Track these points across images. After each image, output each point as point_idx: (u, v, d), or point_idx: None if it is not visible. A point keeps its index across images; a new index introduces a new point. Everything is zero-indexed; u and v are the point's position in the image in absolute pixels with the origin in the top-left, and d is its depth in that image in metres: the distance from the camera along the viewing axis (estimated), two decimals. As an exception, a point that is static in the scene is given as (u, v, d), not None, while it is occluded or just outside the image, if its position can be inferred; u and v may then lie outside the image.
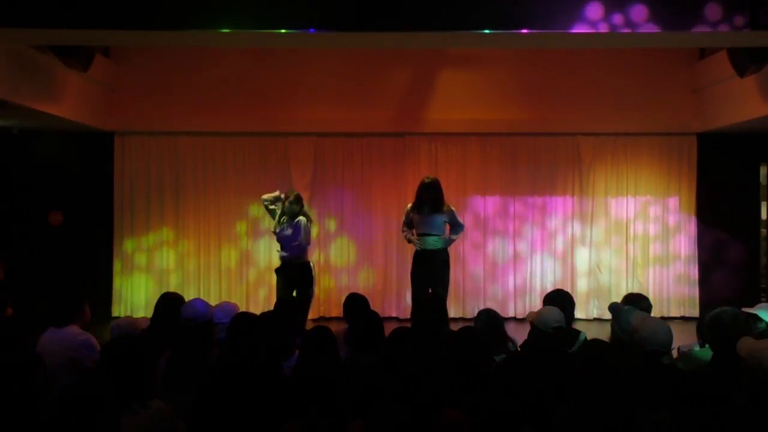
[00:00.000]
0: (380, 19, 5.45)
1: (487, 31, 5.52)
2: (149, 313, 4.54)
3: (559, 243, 8.92)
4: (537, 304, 7.18)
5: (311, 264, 6.80)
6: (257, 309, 8.08)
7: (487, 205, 8.95)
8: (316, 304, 8.82)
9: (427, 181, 6.50)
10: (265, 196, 6.87)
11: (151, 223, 8.87)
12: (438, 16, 5.40)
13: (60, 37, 5.90)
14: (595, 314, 8.80)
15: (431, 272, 6.40)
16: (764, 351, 2.75)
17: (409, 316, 7.13)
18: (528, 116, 8.72)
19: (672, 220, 8.87)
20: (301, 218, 6.62)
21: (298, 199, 6.70)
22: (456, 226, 6.54)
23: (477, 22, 5.43)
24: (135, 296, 8.85)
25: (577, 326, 4.66)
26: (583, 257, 8.88)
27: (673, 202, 8.87)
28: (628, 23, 5.36)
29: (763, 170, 8.97)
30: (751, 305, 4.06)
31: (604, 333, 5.04)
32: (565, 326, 4.01)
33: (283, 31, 5.54)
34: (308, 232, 6.69)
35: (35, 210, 8.69)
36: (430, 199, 6.40)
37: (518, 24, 5.43)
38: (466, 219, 8.89)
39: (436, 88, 8.80)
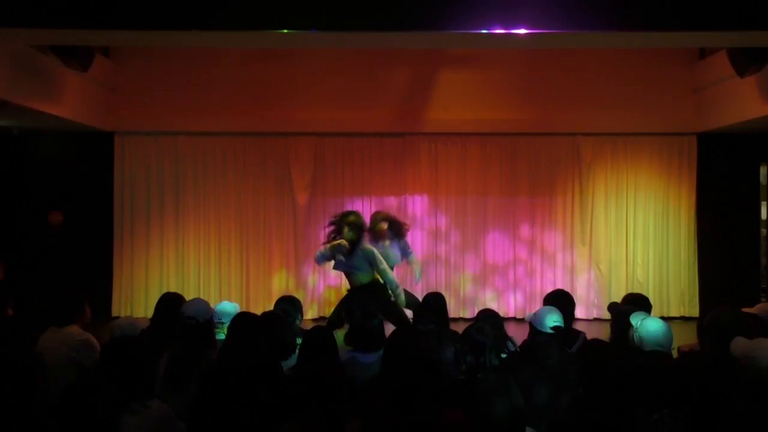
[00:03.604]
0: (380, 19, 5.45)
1: (486, 31, 5.52)
2: (149, 313, 4.53)
3: (559, 243, 8.93)
4: (537, 304, 7.18)
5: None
6: (257, 309, 8.08)
7: (487, 205, 8.95)
8: (316, 305, 8.86)
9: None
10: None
11: (151, 223, 8.87)
12: (438, 16, 5.40)
13: (60, 37, 5.90)
14: (595, 314, 8.80)
15: None
16: (758, 351, 2.75)
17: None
18: (528, 116, 8.72)
19: (672, 219, 8.88)
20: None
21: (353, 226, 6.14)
22: None
23: (477, 22, 5.43)
24: (135, 296, 8.85)
25: (577, 326, 4.66)
26: (583, 257, 8.89)
27: (672, 201, 8.87)
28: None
29: (763, 170, 8.97)
30: (751, 305, 4.06)
31: (604, 333, 5.04)
32: (564, 326, 4.01)
33: (284, 31, 5.54)
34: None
35: (35, 210, 8.68)
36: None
37: (518, 24, 5.43)
38: (466, 219, 8.95)
39: (436, 88, 8.80)
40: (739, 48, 6.67)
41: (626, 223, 8.91)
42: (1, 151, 8.68)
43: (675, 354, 3.72)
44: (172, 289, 6.80)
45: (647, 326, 3.40)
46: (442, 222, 8.96)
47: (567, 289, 6.63)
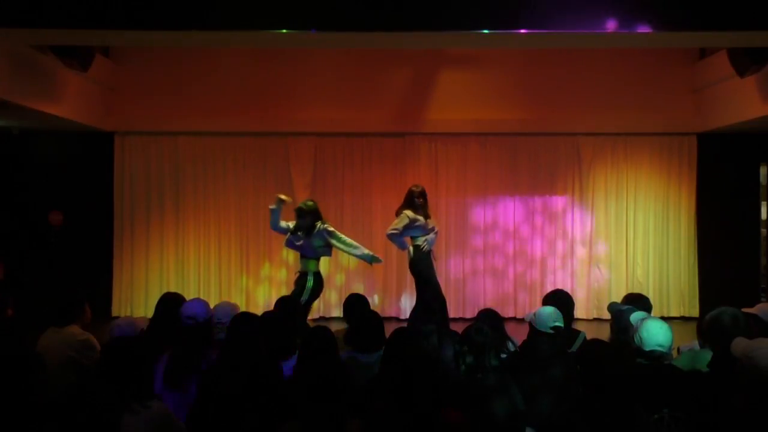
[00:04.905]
0: (380, 19, 5.45)
1: (486, 31, 5.52)
2: (149, 313, 4.53)
3: (559, 243, 8.93)
4: (537, 304, 7.18)
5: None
6: (257, 309, 8.08)
7: (487, 205, 8.96)
8: (316, 304, 8.85)
9: (420, 188, 6.63)
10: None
11: (151, 224, 8.88)
12: (438, 16, 5.40)
13: (60, 37, 5.90)
14: (595, 314, 8.80)
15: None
16: (758, 351, 2.75)
17: (408, 316, 7.14)
18: (528, 116, 8.73)
19: (672, 220, 8.87)
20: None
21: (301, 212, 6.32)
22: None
23: (476, 22, 5.43)
24: (135, 296, 8.86)
25: (577, 326, 4.66)
26: (583, 257, 8.89)
27: (672, 202, 8.87)
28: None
29: (763, 170, 8.97)
30: (751, 305, 4.05)
31: (604, 333, 5.04)
32: (563, 326, 4.01)
33: (283, 31, 5.54)
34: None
35: (35, 210, 8.69)
36: (425, 205, 6.60)
37: (518, 24, 5.43)
38: (466, 219, 8.95)
39: (436, 88, 8.80)
40: (739, 48, 6.67)
41: (626, 223, 8.91)
42: (1, 151, 8.68)
43: (675, 354, 3.72)
44: (172, 289, 6.80)
45: (647, 326, 3.39)
46: (442, 222, 8.95)
47: (567, 289, 6.64)
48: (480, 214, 8.95)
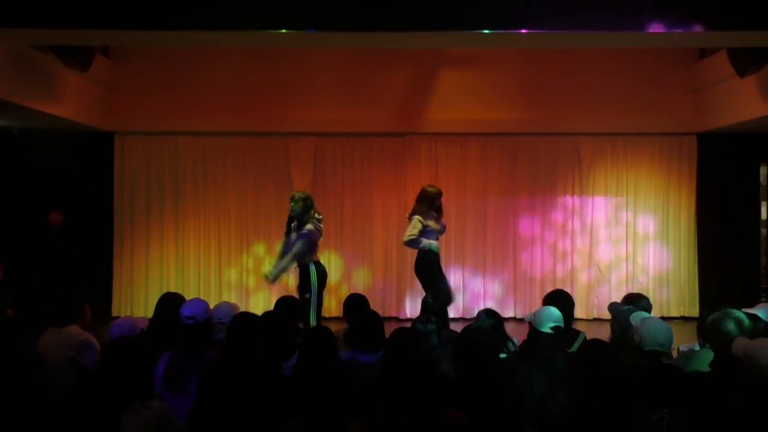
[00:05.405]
0: (380, 19, 5.45)
1: (486, 31, 5.52)
2: (149, 313, 4.53)
3: (559, 243, 8.92)
4: (537, 304, 7.18)
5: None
6: (257, 309, 8.08)
7: (487, 205, 8.95)
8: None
9: (436, 190, 6.64)
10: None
11: (151, 224, 8.88)
12: (438, 16, 5.40)
13: (60, 37, 5.90)
14: (595, 314, 8.80)
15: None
16: (759, 350, 2.75)
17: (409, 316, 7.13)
18: (528, 116, 8.72)
19: (672, 220, 8.88)
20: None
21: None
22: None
23: (477, 22, 5.43)
24: (135, 296, 8.86)
25: (577, 326, 4.66)
26: (583, 257, 8.89)
27: (673, 202, 8.88)
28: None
29: (763, 170, 8.98)
30: (751, 305, 4.05)
31: (604, 333, 5.04)
32: (563, 326, 4.01)
33: (283, 31, 5.54)
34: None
35: (35, 210, 8.68)
36: (440, 207, 6.64)
37: (518, 24, 5.43)
38: (466, 219, 8.94)
39: (436, 88, 8.80)
40: (739, 48, 6.67)
41: (626, 223, 8.91)
42: (1, 151, 8.68)
43: (675, 354, 3.72)
44: (172, 289, 6.80)
45: (647, 326, 3.40)
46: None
47: (567, 289, 6.63)
48: (480, 214, 8.94)
